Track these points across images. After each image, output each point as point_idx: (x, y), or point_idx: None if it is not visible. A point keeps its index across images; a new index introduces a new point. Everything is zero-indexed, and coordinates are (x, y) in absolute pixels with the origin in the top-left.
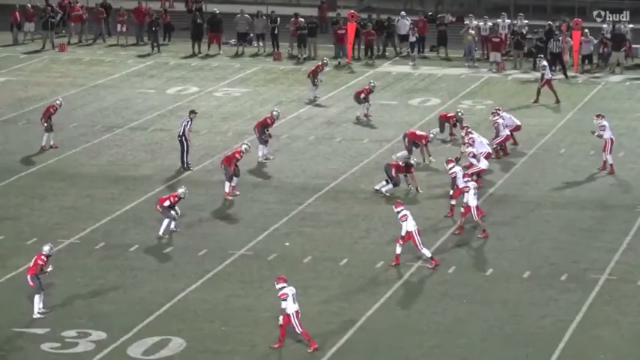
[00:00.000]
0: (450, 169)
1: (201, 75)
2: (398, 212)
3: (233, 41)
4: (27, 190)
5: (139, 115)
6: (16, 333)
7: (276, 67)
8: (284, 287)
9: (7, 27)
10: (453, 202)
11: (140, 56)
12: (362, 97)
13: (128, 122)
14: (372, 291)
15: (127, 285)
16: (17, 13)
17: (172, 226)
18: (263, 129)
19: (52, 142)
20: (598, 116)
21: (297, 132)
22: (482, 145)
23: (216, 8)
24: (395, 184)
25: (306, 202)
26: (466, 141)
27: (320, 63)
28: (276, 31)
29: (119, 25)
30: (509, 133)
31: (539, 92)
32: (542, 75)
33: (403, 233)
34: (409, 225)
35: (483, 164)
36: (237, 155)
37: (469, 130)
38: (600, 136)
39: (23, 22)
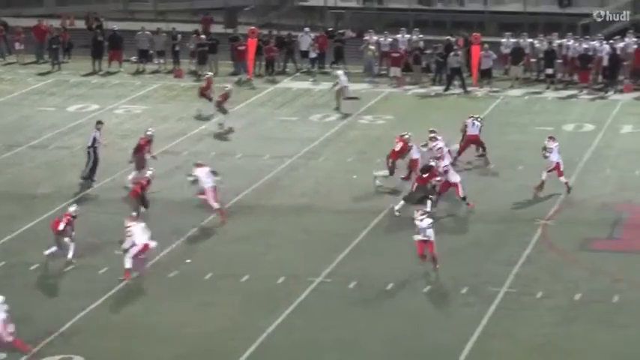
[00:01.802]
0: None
1: (102, 92)
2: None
3: (134, 58)
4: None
5: (40, 133)
6: None
7: (177, 84)
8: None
9: None
10: None
11: (40, 74)
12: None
13: (29, 140)
14: (273, 307)
15: (27, 304)
16: None
17: (70, 255)
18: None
19: None
20: (550, 138)
21: (198, 148)
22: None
23: (115, 25)
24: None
25: (207, 219)
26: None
27: (226, 91)
28: (176, 48)
29: (17, 44)
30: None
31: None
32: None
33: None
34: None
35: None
36: (144, 185)
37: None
38: (546, 157)
39: None
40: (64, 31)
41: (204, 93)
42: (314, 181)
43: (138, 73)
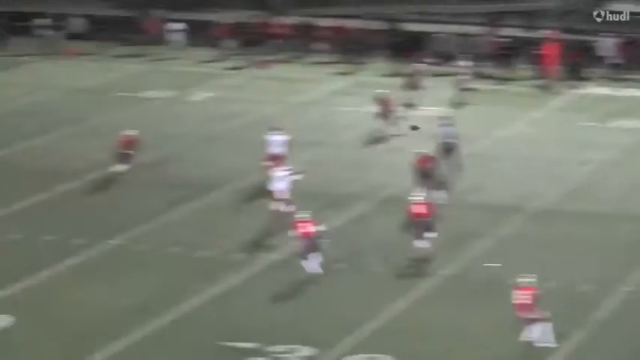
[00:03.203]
0: None
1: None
2: None
3: (430, 60)
4: (230, 205)
5: (338, 132)
6: (221, 347)
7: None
8: None
9: (210, 43)
10: None
11: (339, 74)
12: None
13: (328, 140)
14: (573, 316)
15: (334, 301)
16: (220, 30)
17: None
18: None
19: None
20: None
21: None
22: None
23: (414, 27)
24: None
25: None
26: None
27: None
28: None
29: (319, 44)
30: None
31: None
32: None
33: None
34: None
35: None
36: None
37: None
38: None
39: (225, 39)
40: (365, 31)
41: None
42: (618, 188)
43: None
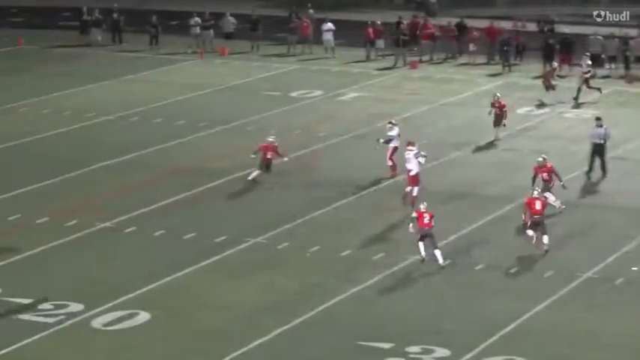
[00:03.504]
0: None
1: (550, 96)
2: None
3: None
4: (375, 205)
5: (487, 134)
6: (359, 346)
7: (628, 90)
8: None
9: (362, 43)
10: None
11: (490, 75)
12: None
13: (477, 141)
14: None
15: (472, 303)
16: (370, 30)
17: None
18: None
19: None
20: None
21: None
22: None
23: (567, 29)
24: None
25: None
26: None
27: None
28: (627, 53)
29: (470, 45)
30: None
31: None
32: None
33: None
34: None
35: None
36: None
37: None
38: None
39: (375, 39)
40: (517, 33)
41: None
42: None
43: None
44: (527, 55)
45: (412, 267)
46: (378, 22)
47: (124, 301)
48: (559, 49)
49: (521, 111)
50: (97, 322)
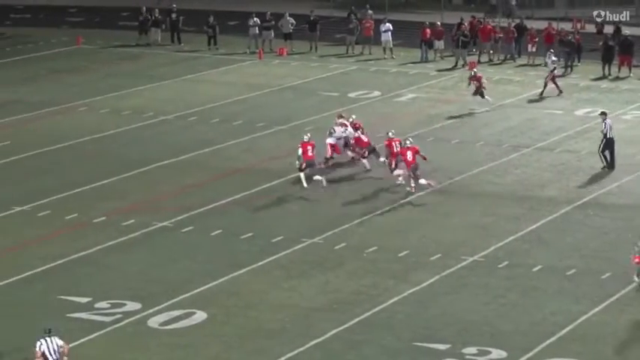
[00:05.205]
0: None
1: (610, 97)
2: None
3: None
4: (434, 207)
5: (546, 135)
6: (415, 347)
7: None
8: None
9: (418, 44)
10: None
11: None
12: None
13: (535, 142)
14: None
15: (529, 305)
16: (427, 31)
17: None
18: None
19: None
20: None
21: None
22: None
23: (628, 30)
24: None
25: None
26: None
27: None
28: None
29: (529, 45)
30: None
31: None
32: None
33: None
34: None
35: None
36: None
37: None
38: None
39: (433, 40)
40: (577, 34)
41: None
42: None
43: None
44: (586, 56)
45: (469, 268)
46: (438, 23)
47: (180, 300)
48: (619, 50)
49: (579, 112)
50: (154, 322)
